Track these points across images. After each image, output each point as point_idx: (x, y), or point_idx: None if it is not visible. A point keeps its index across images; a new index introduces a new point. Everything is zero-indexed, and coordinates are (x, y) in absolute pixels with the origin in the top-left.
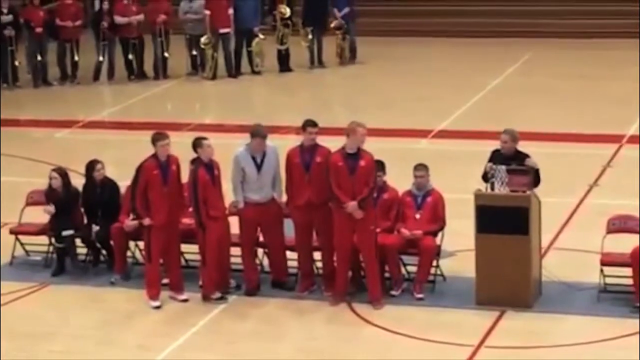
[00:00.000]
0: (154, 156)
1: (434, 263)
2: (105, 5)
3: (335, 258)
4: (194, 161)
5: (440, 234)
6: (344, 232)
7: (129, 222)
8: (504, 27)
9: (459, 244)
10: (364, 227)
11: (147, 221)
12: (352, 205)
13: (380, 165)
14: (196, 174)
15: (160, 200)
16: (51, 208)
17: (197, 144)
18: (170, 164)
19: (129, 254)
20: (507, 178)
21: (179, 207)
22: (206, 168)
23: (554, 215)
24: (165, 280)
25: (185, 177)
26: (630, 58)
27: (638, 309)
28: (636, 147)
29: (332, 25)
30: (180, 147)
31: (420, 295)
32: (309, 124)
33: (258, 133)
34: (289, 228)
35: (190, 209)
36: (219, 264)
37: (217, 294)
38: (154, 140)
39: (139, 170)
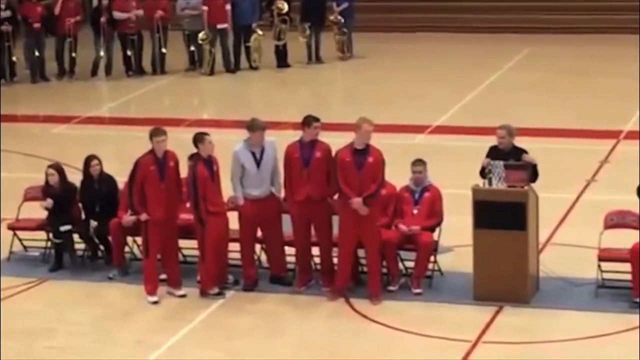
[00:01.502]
0: (151, 152)
1: (432, 258)
2: (105, 1)
3: (334, 254)
4: (192, 157)
5: (437, 230)
6: (349, 229)
7: (127, 218)
8: (502, 22)
9: (456, 240)
10: (370, 224)
11: (144, 217)
12: (357, 201)
13: None
14: (195, 169)
15: (157, 196)
16: (48, 203)
17: (198, 139)
18: (167, 160)
19: (127, 249)
20: (504, 173)
21: (176, 202)
22: (205, 164)
23: (552, 211)
24: (163, 276)
25: (183, 172)
26: (630, 54)
27: (637, 304)
28: (633, 142)
29: (331, 18)
30: (178, 142)
31: (417, 291)
32: (313, 119)
33: (257, 126)
34: (286, 224)
35: (188, 205)
36: (218, 259)
37: (215, 290)
38: (151, 136)
39: (136, 166)
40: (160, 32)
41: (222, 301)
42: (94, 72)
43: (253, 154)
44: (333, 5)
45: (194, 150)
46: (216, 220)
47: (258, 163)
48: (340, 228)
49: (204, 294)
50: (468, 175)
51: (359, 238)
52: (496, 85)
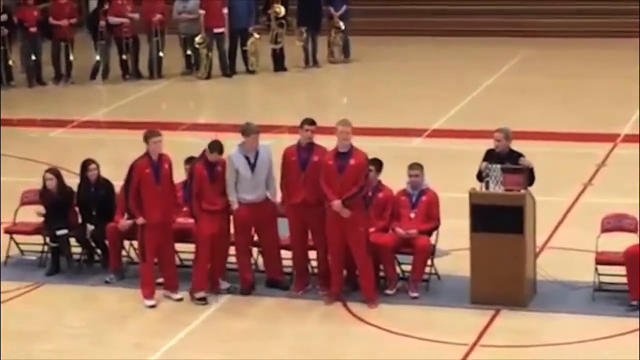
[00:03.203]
0: (146, 155)
1: (429, 262)
2: (105, 6)
3: (330, 257)
4: (188, 160)
5: (435, 233)
6: (335, 232)
7: (124, 222)
8: (499, 26)
9: (453, 243)
10: (353, 228)
11: (140, 220)
12: (336, 203)
13: (378, 165)
14: (193, 167)
15: (153, 199)
16: (41, 210)
17: (212, 147)
18: (162, 163)
19: (123, 253)
20: (501, 177)
21: (172, 205)
22: (206, 163)
23: (549, 214)
24: (160, 280)
25: (178, 176)
26: (627, 57)
27: (634, 308)
28: (630, 145)
29: (335, 24)
30: (174, 146)
31: (415, 294)
32: (306, 121)
33: (251, 130)
34: (283, 228)
35: (185, 208)
36: (210, 260)
37: (201, 294)
38: (146, 138)
39: (131, 169)
40: (157, 36)
41: (219, 304)
42: (93, 76)
43: (247, 158)
44: (330, 9)
45: (191, 154)
46: (210, 218)
47: (252, 167)
48: (327, 232)
49: (190, 295)
50: (465, 178)
51: (346, 241)
52: (493, 89)
